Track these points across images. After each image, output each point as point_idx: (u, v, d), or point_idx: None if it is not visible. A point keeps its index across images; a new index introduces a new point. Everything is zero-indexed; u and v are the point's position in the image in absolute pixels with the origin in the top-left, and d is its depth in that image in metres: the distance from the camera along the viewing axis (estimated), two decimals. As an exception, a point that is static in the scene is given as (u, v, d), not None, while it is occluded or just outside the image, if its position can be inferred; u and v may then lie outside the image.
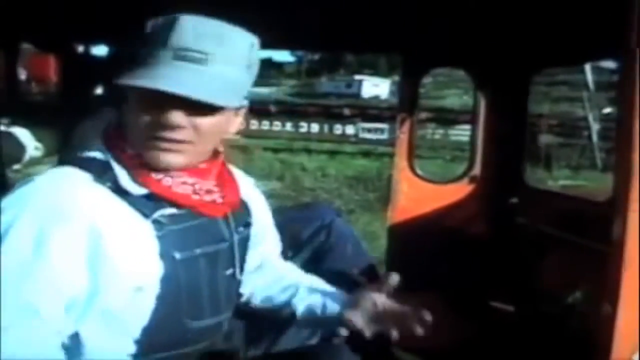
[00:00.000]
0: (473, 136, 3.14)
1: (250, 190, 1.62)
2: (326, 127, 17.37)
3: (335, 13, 2.39)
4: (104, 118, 1.61)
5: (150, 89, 1.23)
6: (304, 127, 17.40)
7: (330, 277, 1.68)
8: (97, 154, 1.34)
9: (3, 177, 2.03)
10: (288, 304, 1.61)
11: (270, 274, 1.67)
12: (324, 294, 1.60)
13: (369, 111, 18.37)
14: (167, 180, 1.32)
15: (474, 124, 3.14)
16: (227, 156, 1.50)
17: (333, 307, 1.57)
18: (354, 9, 2.38)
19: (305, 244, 2.08)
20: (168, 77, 1.24)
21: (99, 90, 2.50)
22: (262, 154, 14.15)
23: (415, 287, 2.69)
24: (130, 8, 1.88)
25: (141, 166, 1.31)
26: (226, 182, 1.45)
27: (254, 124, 15.70)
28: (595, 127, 13.56)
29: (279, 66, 52.35)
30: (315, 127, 17.45)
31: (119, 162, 1.32)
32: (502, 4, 2.43)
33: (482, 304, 2.84)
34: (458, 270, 2.85)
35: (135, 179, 1.30)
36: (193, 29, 1.28)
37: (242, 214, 1.51)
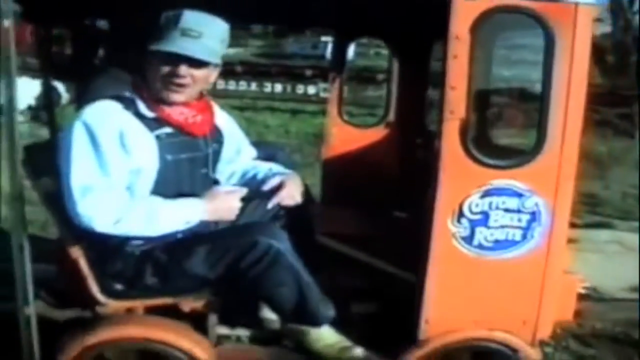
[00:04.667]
0: (388, 91, 4.08)
1: (223, 119, 2.55)
2: (289, 87, 17.99)
3: None
4: (111, 75, 2.46)
5: (169, 52, 2.14)
6: (267, 87, 18.03)
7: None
8: (126, 93, 2.27)
9: (54, 115, 2.89)
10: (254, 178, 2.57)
11: (244, 166, 2.62)
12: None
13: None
14: (169, 110, 2.25)
15: (388, 82, 4.07)
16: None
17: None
18: None
19: None
20: (179, 46, 2.13)
21: (102, 56, 3.35)
22: (229, 112, 14.61)
23: (344, 204, 3.64)
24: None
25: (155, 101, 2.24)
26: (206, 112, 2.38)
27: (221, 84, 16.06)
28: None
29: (246, 28, 51.98)
30: (278, 87, 18.07)
31: (141, 98, 2.25)
32: None
33: (389, 213, 3.79)
34: (374, 185, 3.76)
35: (149, 107, 2.24)
36: (192, 17, 2.16)
37: (216, 136, 2.45)
